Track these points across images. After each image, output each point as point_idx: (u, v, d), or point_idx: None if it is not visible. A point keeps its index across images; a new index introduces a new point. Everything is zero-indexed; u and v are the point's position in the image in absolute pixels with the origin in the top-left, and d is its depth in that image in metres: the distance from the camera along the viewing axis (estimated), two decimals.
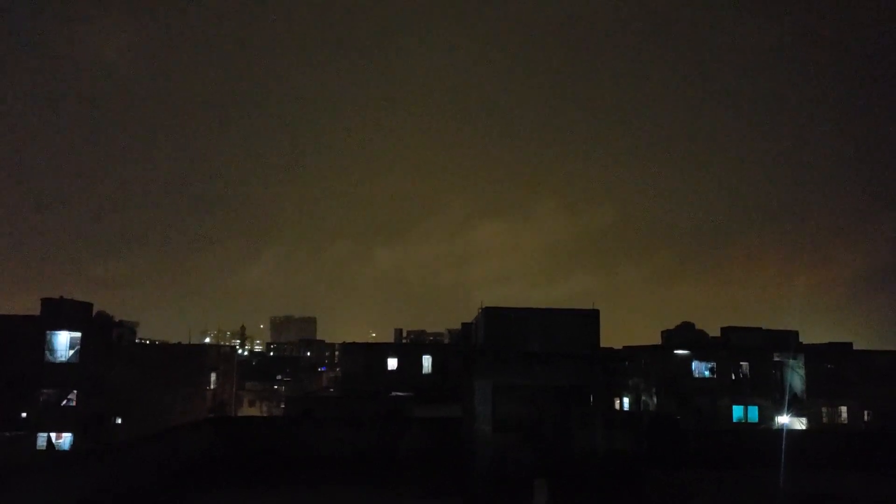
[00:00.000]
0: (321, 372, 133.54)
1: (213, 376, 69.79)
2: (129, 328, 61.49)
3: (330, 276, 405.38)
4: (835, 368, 56.27)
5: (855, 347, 61.28)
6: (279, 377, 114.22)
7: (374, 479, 31.03)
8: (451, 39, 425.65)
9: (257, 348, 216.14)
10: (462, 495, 27.34)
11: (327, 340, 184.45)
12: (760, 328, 62.54)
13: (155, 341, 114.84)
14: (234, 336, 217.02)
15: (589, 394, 36.75)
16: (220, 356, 75.48)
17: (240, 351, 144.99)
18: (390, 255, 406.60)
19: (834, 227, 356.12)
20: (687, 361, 55.16)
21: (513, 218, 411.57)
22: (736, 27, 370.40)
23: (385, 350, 64.22)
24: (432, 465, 33.33)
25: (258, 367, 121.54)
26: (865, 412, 54.49)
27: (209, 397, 68.48)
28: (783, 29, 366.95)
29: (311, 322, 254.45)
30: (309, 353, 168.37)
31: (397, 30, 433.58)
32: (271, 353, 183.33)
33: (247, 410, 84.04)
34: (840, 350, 60.21)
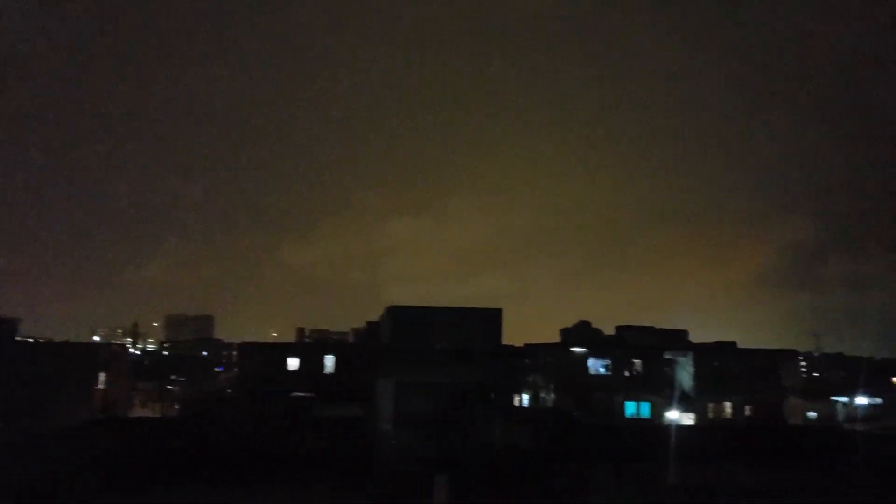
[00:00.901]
0: (218, 372, 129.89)
1: (102, 376, 66.76)
2: (11, 325, 57.99)
3: (232, 273, 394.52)
4: (720, 366, 59.17)
5: (739, 346, 64.75)
6: (174, 377, 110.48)
7: (275, 478, 30.54)
8: (364, 32, 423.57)
9: (151, 347, 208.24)
10: (364, 492, 27.28)
11: (225, 339, 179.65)
12: (653, 327, 65.15)
13: (39, 339, 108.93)
14: (125, 334, 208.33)
15: (490, 391, 37.42)
16: (110, 355, 72.41)
17: (132, 350, 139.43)
18: (297, 253, 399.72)
19: (729, 231, 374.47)
20: (584, 359, 56.81)
21: (426, 216, 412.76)
22: (634, 30, 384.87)
23: (286, 349, 63.10)
24: (334, 463, 33.08)
25: (151, 367, 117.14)
26: (747, 407, 57.56)
27: (98, 398, 65.47)
28: (684, 34, 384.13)
29: (208, 320, 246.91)
30: (206, 353, 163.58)
31: (311, 22, 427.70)
32: (165, 353, 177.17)
33: (139, 411, 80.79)
34: (725, 349, 63.46)
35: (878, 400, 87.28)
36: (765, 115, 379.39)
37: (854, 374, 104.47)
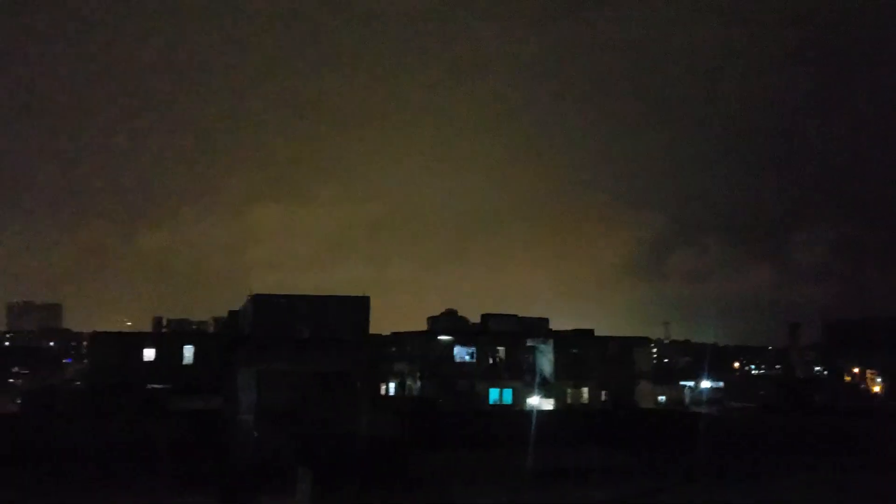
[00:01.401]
0: (66, 364, 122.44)
1: None
2: None
3: (83, 260, 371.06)
4: (578, 353, 61.71)
5: (596, 334, 67.73)
6: (15, 369, 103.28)
7: (126, 474, 29.11)
8: (225, 15, 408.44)
9: None
10: (221, 486, 26.44)
11: (74, 329, 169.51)
12: (516, 315, 66.87)
13: None
14: None
15: (356, 379, 37.28)
16: None
17: None
18: (155, 239, 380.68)
19: (590, 224, 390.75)
20: (450, 347, 57.65)
21: (292, 202, 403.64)
22: (489, 26, 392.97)
23: (141, 340, 60.23)
24: (191, 457, 31.84)
25: None
26: (603, 392, 60.42)
27: None
28: (537, 29, 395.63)
29: (56, 309, 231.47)
30: (52, 344, 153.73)
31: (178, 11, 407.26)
32: (6, 343, 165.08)
33: None
34: (583, 336, 66.18)
35: (720, 384, 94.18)
36: (624, 115, 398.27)
37: (699, 359, 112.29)
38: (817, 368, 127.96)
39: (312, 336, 42.84)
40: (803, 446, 37.74)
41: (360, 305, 47.88)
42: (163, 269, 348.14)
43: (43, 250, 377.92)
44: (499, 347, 59.35)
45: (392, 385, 61.14)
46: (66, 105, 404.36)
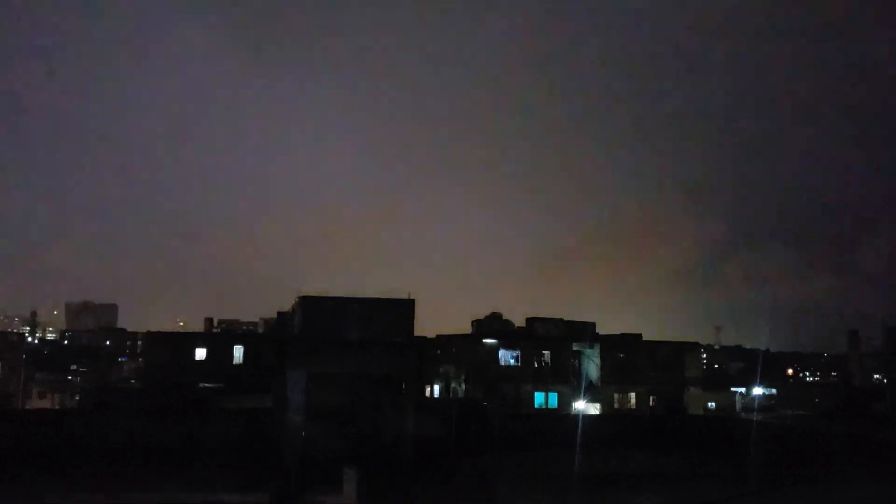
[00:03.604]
0: (122, 362, 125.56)
1: None
2: None
3: (143, 260, 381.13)
4: (626, 357, 61.02)
5: (644, 339, 66.89)
6: (74, 367, 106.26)
7: (179, 472, 29.72)
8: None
9: (51, 336, 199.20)
10: (271, 485, 26.83)
11: (129, 329, 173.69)
12: (562, 319, 66.56)
13: None
14: (23, 323, 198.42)
15: (402, 381, 37.42)
16: (5, 344, 69.19)
17: (30, 339, 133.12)
18: (213, 241, 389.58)
19: (641, 229, 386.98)
20: (494, 350, 57.53)
21: (349, 206, 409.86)
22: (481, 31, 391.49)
23: (193, 339, 61.58)
24: (242, 457, 32.40)
25: (51, 357, 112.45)
26: (651, 397, 59.63)
27: None
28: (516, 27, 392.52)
29: (111, 309, 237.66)
30: (108, 343, 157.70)
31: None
32: (66, 342, 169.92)
33: (37, 403, 77.34)
34: (631, 341, 65.43)
35: (773, 390, 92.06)
36: (674, 121, 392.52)
37: (751, 365, 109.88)
38: (877, 377, 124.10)
39: (359, 338, 43.19)
40: (860, 455, 36.59)
41: (406, 308, 48.13)
42: (218, 271, 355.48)
43: (107, 252, 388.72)
44: (544, 351, 59.03)
45: (437, 387, 61.29)
46: (130, 108, 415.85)
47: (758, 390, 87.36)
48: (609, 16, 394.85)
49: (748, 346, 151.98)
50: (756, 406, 78.49)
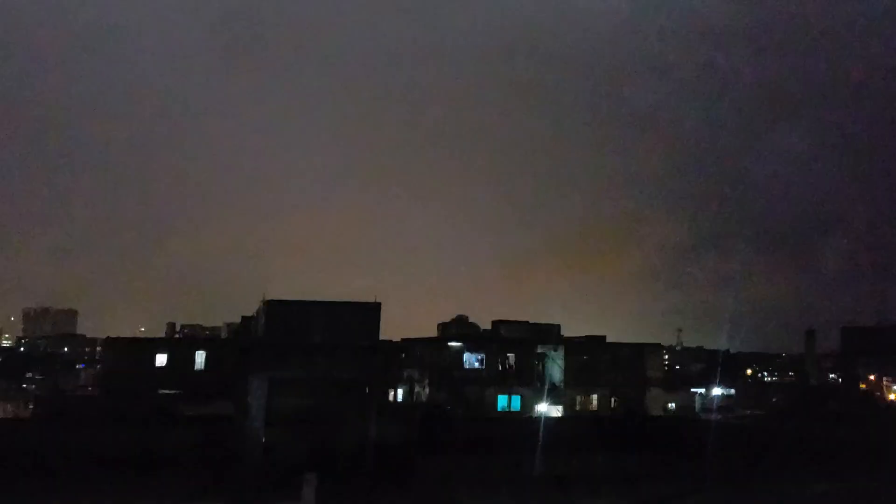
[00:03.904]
0: (80, 369, 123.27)
1: None
2: None
3: (106, 266, 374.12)
4: (589, 360, 61.44)
5: (608, 340, 67.43)
6: (30, 375, 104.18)
7: (137, 481, 29.32)
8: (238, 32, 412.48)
9: (6, 343, 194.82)
10: (229, 493, 26.64)
11: (89, 335, 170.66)
12: (527, 322, 66.85)
13: None
14: None
15: (366, 385, 37.39)
16: None
17: None
18: (177, 246, 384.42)
19: (605, 231, 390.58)
20: (459, 353, 57.58)
21: (315, 211, 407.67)
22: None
23: (153, 345, 60.68)
24: (201, 464, 32.03)
25: (6, 364, 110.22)
26: (613, 399, 60.14)
27: None
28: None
29: (71, 315, 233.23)
30: (66, 349, 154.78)
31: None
32: (22, 349, 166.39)
33: None
34: (594, 343, 65.90)
35: (732, 391, 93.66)
36: (639, 120, 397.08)
37: (712, 366, 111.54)
38: (832, 376, 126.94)
39: (324, 342, 43.00)
40: (813, 452, 37.42)
41: (371, 312, 47.97)
42: (183, 276, 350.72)
43: (71, 257, 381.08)
44: (509, 354, 59.28)
45: (401, 391, 61.24)
46: (90, 113, 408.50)
47: (717, 391, 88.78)
48: (569, 15, 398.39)
49: (709, 347, 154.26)
50: (715, 406, 79.77)
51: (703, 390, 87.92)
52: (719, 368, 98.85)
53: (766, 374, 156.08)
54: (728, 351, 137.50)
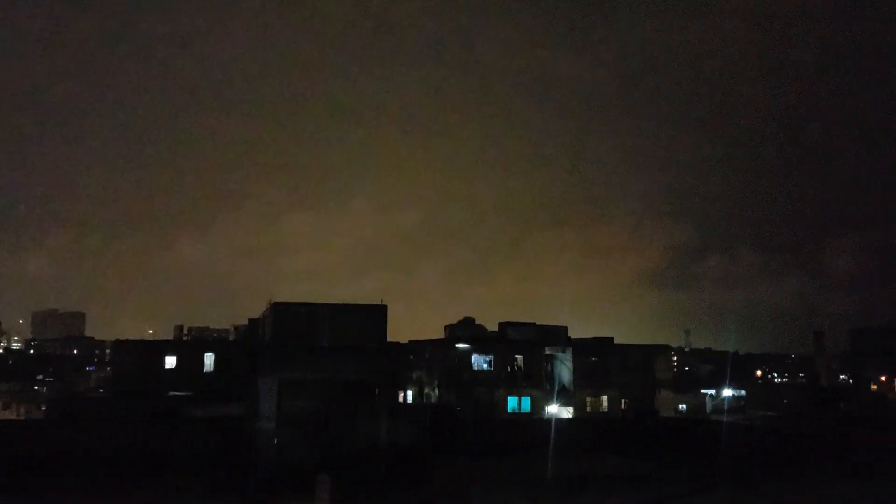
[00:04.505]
0: (89, 371, 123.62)
1: None
2: None
3: (114, 268, 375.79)
4: (598, 361, 61.19)
5: (616, 342, 67.17)
6: (40, 377, 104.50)
7: (148, 481, 29.33)
8: (273, 30, 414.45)
9: (16, 345, 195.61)
10: (242, 493, 26.61)
11: (97, 338, 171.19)
12: (535, 324, 66.62)
13: None
14: None
15: (375, 387, 37.30)
16: None
17: None
18: (187, 249, 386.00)
19: (612, 233, 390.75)
20: (467, 355, 57.40)
21: (324, 213, 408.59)
22: (512, 38, 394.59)
23: (163, 347, 60.73)
24: (211, 464, 32.07)
25: (16, 367, 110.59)
26: (623, 400, 59.87)
27: None
28: (567, 42, 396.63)
29: (79, 317, 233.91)
30: (76, 351, 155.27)
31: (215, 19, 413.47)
32: (32, 351, 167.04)
33: (1, 414, 75.92)
34: (603, 344, 65.66)
35: (742, 392, 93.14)
36: (650, 124, 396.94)
37: (721, 367, 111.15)
38: (843, 377, 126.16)
39: (332, 344, 42.96)
40: (828, 454, 37.18)
41: (378, 314, 47.89)
42: (190, 278, 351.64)
43: (79, 260, 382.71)
44: (517, 356, 59.07)
45: (410, 393, 61.10)
46: (102, 114, 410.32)
47: (727, 392, 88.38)
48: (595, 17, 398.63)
49: (718, 349, 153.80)
50: (726, 407, 79.40)
51: (713, 391, 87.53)
52: (729, 370, 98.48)
53: (775, 375, 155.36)
54: (737, 352, 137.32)
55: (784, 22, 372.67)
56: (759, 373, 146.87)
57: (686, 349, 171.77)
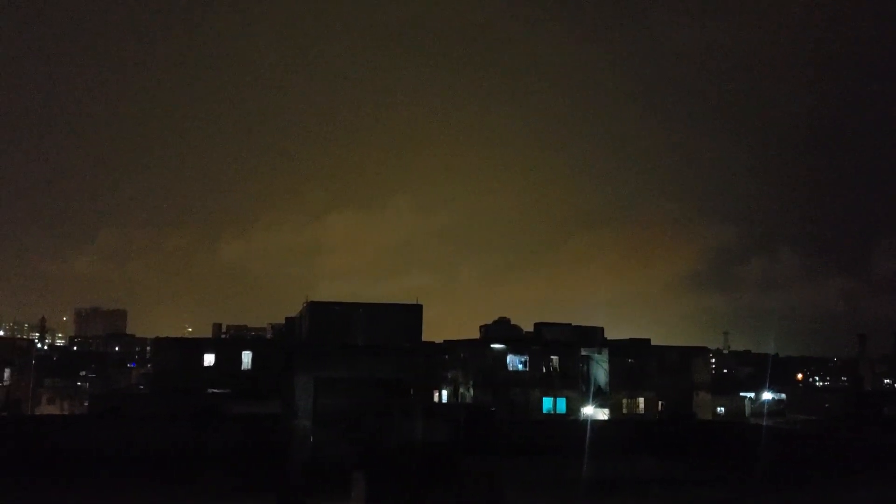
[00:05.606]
0: (131, 368, 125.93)
1: (6, 372, 64.13)
2: None
3: (157, 267, 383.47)
4: (634, 363, 60.71)
5: (653, 343, 66.59)
6: (83, 373, 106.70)
7: (186, 476, 29.83)
8: (316, 30, 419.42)
9: (60, 342, 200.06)
10: (278, 490, 26.90)
11: (138, 335, 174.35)
12: (570, 324, 66.33)
13: None
14: (32, 329, 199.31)
15: (410, 386, 37.42)
16: (14, 350, 69.60)
17: (39, 345, 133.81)
18: (231, 248, 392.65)
19: (651, 234, 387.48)
20: (502, 355, 57.38)
21: (364, 213, 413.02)
22: (552, 42, 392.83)
23: (202, 345, 61.68)
24: (249, 461, 32.50)
25: (60, 363, 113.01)
26: (660, 402, 59.33)
27: (1, 395, 62.87)
28: (603, 45, 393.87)
29: (121, 315, 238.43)
30: (117, 349, 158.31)
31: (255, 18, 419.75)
32: (75, 348, 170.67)
33: (46, 409, 77.69)
34: (639, 346, 65.16)
35: (782, 395, 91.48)
36: (694, 125, 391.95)
37: (760, 370, 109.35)
38: (886, 381, 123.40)
39: (367, 343, 43.27)
40: (870, 460, 36.34)
41: (414, 314, 48.18)
42: (230, 277, 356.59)
43: (124, 259, 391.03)
44: (552, 356, 58.84)
45: (445, 393, 61.22)
46: (150, 116, 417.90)
47: (767, 395, 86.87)
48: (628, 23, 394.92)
49: (757, 351, 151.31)
50: (765, 411, 78.01)
51: (752, 395, 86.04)
52: (769, 372, 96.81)
53: (817, 378, 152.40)
54: (777, 355, 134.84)
55: (832, 19, 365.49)
56: (800, 376, 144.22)
57: (725, 351, 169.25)
